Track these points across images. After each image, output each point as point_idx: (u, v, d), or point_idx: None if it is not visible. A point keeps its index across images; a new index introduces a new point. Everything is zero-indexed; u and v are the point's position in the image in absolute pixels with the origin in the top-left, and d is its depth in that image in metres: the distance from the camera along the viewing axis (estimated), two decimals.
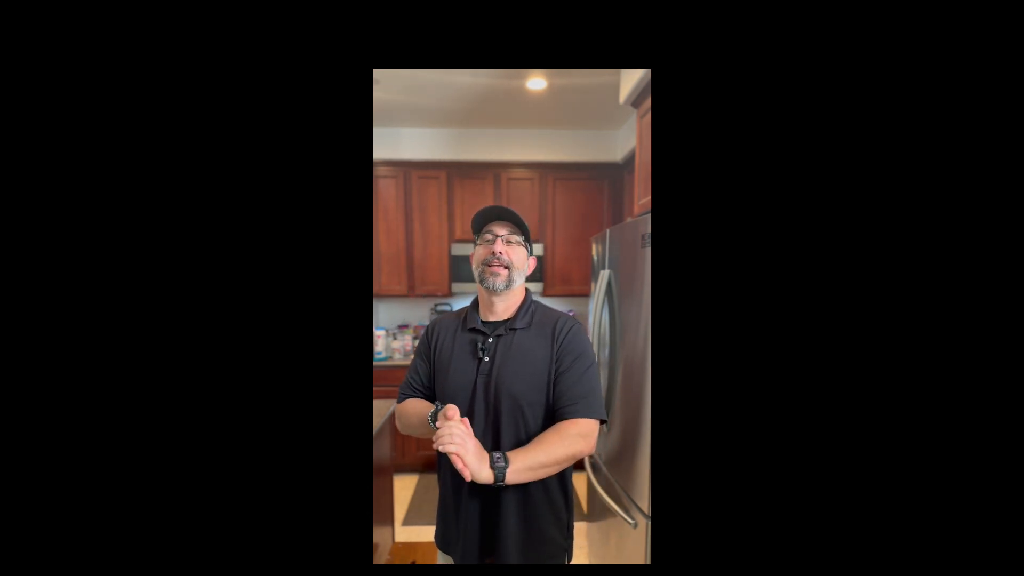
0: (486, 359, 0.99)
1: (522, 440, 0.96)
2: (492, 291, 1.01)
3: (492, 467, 0.86)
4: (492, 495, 0.96)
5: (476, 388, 0.99)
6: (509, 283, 1.00)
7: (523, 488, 0.96)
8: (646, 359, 1.38)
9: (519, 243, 1.03)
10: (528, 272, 1.07)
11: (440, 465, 1.06)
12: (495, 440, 0.97)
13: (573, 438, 0.91)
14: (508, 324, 1.02)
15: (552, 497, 1.00)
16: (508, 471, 0.86)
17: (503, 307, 1.03)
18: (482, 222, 1.04)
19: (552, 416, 0.97)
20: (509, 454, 0.88)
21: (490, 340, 1.01)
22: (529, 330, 1.01)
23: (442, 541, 1.07)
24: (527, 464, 0.88)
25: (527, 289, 1.10)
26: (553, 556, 1.00)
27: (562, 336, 0.99)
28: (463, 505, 0.99)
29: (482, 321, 1.04)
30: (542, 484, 0.97)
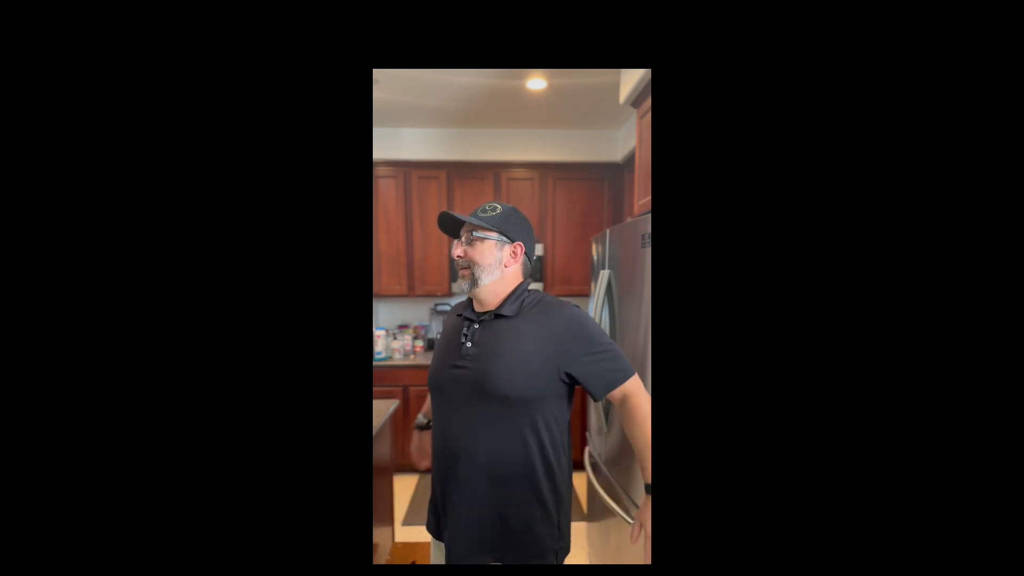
0: (468, 344, 0.99)
1: (496, 430, 0.94)
2: (465, 292, 1.03)
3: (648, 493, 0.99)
4: (477, 489, 0.96)
5: (457, 374, 0.98)
6: (475, 282, 0.99)
7: (507, 483, 0.95)
8: (646, 359, 1.38)
9: (485, 238, 0.98)
10: (509, 262, 1.00)
11: (434, 455, 1.05)
12: (466, 429, 0.95)
13: (647, 408, 0.97)
14: (495, 311, 1.00)
15: (542, 496, 0.97)
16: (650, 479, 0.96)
17: (486, 299, 1.01)
18: (448, 229, 1.05)
19: (525, 408, 0.94)
20: (645, 473, 0.98)
21: (476, 326, 1.00)
22: (517, 318, 0.98)
23: (434, 528, 1.06)
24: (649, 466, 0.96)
25: (524, 279, 1.06)
26: (540, 556, 0.98)
27: (567, 333, 0.95)
28: (448, 496, 0.99)
29: (472, 311, 1.04)
30: (529, 480, 0.96)
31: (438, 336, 1.14)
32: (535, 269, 3.16)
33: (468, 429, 0.96)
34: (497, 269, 0.99)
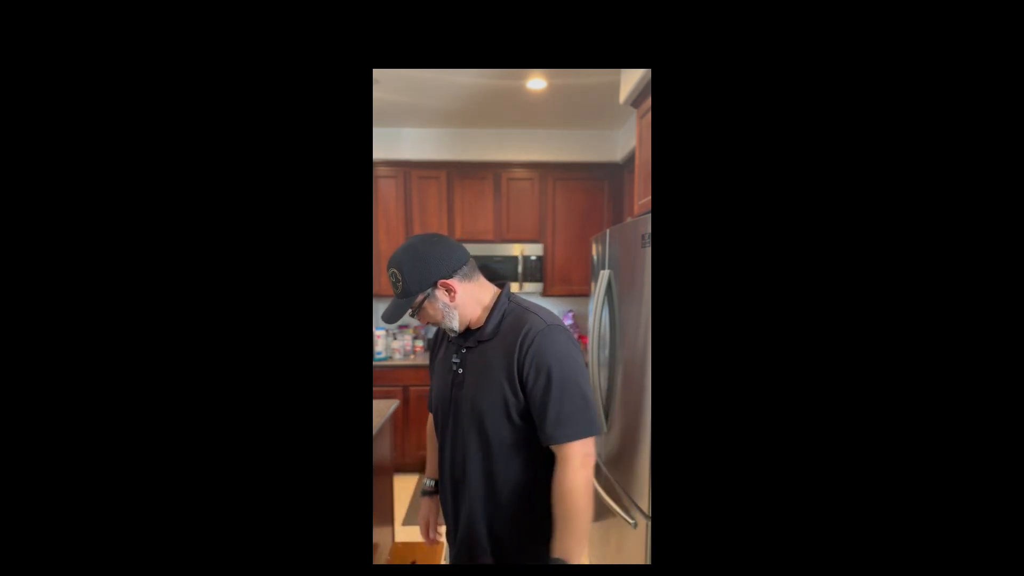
0: (459, 372, 0.99)
1: (486, 458, 0.95)
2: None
3: None
4: (473, 505, 0.98)
5: (451, 401, 1.00)
6: (452, 330, 0.99)
7: (497, 503, 0.96)
8: (646, 359, 1.38)
9: (422, 302, 0.94)
10: (452, 298, 0.95)
11: (439, 471, 1.08)
12: (464, 455, 0.97)
13: (575, 483, 0.89)
14: (477, 336, 0.98)
15: (534, 516, 0.96)
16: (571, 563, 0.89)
17: (473, 325, 1.00)
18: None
19: (508, 430, 0.94)
20: (556, 554, 0.89)
21: (463, 351, 0.99)
22: (494, 340, 0.95)
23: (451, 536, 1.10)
24: (574, 545, 0.89)
25: (500, 289, 1.01)
26: (533, 559, 0.98)
27: (525, 354, 0.90)
28: (448, 511, 1.05)
29: (460, 336, 1.01)
30: (518, 500, 0.96)
31: (434, 353, 1.13)
32: (535, 269, 3.16)
33: (465, 449, 0.97)
34: (451, 311, 0.96)
